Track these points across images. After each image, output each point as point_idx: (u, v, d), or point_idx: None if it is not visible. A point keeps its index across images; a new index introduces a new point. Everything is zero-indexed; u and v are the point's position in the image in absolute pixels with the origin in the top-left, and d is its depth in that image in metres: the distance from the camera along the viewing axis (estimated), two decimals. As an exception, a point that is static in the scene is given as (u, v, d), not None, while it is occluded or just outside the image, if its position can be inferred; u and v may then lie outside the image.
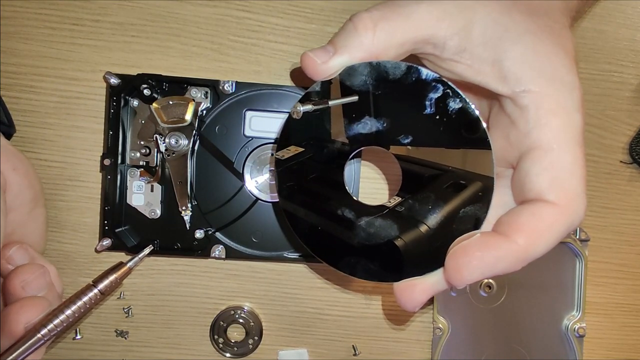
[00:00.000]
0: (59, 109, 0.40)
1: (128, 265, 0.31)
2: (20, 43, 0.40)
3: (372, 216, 0.29)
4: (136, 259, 0.32)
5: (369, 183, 0.43)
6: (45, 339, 0.27)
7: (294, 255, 0.41)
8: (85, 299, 0.29)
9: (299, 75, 0.42)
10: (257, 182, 0.40)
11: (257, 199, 0.40)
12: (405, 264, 0.28)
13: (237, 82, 0.39)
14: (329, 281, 0.44)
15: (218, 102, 0.39)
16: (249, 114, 0.40)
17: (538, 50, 0.25)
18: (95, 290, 0.29)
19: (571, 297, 0.44)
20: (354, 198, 0.30)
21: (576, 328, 0.43)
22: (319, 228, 0.29)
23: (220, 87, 0.39)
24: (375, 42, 0.26)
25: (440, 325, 0.43)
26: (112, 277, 0.30)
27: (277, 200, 0.41)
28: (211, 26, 0.41)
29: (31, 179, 0.31)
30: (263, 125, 0.40)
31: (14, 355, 0.26)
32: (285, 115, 0.40)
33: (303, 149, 0.29)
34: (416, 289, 0.27)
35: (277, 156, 0.30)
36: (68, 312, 0.28)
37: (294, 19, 0.41)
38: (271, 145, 0.40)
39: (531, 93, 0.25)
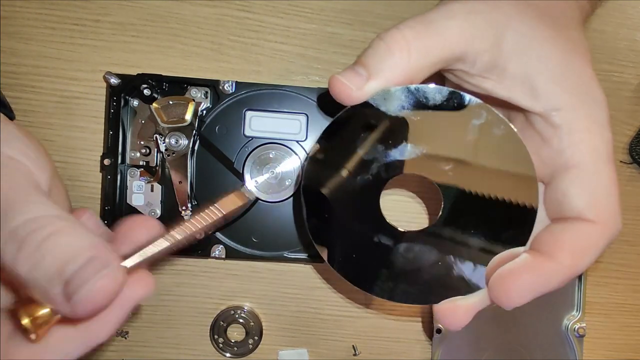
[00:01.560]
0: (59, 109, 0.40)
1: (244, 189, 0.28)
2: (20, 43, 0.40)
3: (411, 241, 0.28)
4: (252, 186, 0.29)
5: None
6: (170, 246, 0.24)
7: (294, 255, 0.41)
8: (208, 219, 0.26)
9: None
10: (257, 182, 0.40)
11: (257, 199, 0.40)
12: (445, 286, 0.28)
13: (237, 82, 0.39)
14: (329, 281, 0.44)
15: (218, 102, 0.39)
16: (249, 114, 0.40)
17: (569, 67, 0.25)
18: (218, 214, 0.26)
19: (571, 297, 0.44)
20: (392, 224, 0.29)
21: (576, 328, 0.43)
22: (354, 256, 0.29)
23: (220, 87, 0.39)
24: (411, 64, 0.25)
25: (440, 326, 0.43)
26: (235, 200, 0.27)
27: (278, 200, 0.41)
28: (211, 26, 0.41)
29: (42, 160, 0.28)
30: (263, 125, 0.40)
31: (144, 251, 0.23)
32: (287, 116, 0.40)
33: (337, 177, 0.28)
34: (460, 310, 0.27)
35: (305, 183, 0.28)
36: (193, 228, 0.25)
37: (294, 19, 0.41)
38: (271, 145, 0.40)
39: (564, 111, 0.24)
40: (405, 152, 0.27)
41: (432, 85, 0.26)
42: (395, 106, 0.26)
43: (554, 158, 0.25)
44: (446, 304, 0.28)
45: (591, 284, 0.45)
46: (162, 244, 0.24)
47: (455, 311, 0.27)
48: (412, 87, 0.26)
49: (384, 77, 0.25)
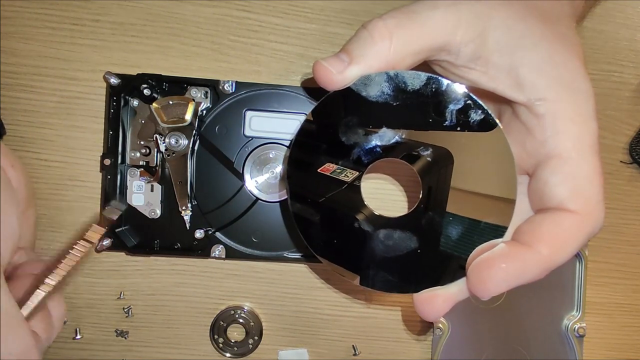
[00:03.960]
0: (59, 109, 0.40)
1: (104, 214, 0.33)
2: (20, 43, 0.40)
3: (391, 228, 0.28)
4: (113, 213, 0.34)
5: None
6: (47, 291, 0.28)
7: (294, 255, 0.41)
8: (76, 251, 0.29)
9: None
10: (257, 182, 0.40)
11: (257, 199, 0.40)
12: (425, 275, 0.28)
13: (237, 82, 0.39)
14: (329, 281, 0.44)
15: (218, 102, 0.39)
16: (249, 114, 0.40)
17: (554, 58, 0.25)
18: (82, 242, 0.30)
19: (571, 297, 0.44)
20: (372, 210, 0.29)
21: (576, 328, 0.43)
22: (335, 241, 0.29)
23: (220, 87, 0.39)
24: (392, 51, 0.25)
25: (440, 325, 0.43)
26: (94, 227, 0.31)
27: (278, 200, 0.41)
28: (211, 26, 0.41)
29: (26, 177, 0.31)
30: (263, 125, 0.40)
31: (27, 304, 0.27)
32: (287, 116, 0.40)
33: (319, 161, 0.29)
34: (438, 299, 0.27)
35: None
36: (63, 265, 0.29)
37: (294, 19, 0.41)
38: (271, 145, 0.40)
39: (548, 101, 0.24)
40: (385, 137, 0.28)
41: (410, 71, 0.27)
42: (375, 92, 0.27)
43: (538, 148, 0.26)
44: (425, 293, 0.28)
45: (591, 284, 0.45)
46: (39, 290, 0.28)
47: (434, 300, 0.27)
48: (392, 72, 0.26)
49: (364, 63, 0.26)
